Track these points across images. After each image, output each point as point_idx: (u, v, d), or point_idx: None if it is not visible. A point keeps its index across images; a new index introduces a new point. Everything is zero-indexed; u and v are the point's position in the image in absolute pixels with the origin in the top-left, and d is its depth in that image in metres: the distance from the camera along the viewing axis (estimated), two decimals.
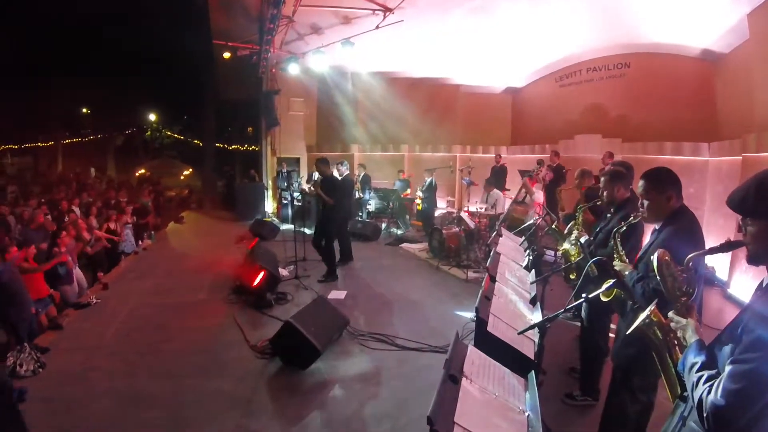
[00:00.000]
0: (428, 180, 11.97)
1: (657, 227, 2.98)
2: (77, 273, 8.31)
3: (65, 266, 7.71)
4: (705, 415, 1.59)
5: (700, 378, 1.69)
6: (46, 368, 5.08)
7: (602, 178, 4.10)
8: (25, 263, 6.76)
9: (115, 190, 16.36)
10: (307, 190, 10.07)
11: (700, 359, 1.75)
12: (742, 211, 1.75)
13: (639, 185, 2.97)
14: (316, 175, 8.55)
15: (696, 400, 1.67)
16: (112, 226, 10.46)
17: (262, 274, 6.94)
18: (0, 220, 9.70)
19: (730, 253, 7.28)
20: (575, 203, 5.26)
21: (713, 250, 1.98)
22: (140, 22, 26.51)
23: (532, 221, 6.04)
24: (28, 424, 3.68)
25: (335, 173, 8.84)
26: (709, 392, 1.60)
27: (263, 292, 6.96)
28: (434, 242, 9.67)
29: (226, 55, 14.59)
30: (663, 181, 2.89)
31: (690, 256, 2.00)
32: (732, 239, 1.89)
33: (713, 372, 1.67)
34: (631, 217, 3.22)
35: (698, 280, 2.12)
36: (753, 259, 1.76)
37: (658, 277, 2.06)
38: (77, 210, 11.52)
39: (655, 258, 2.07)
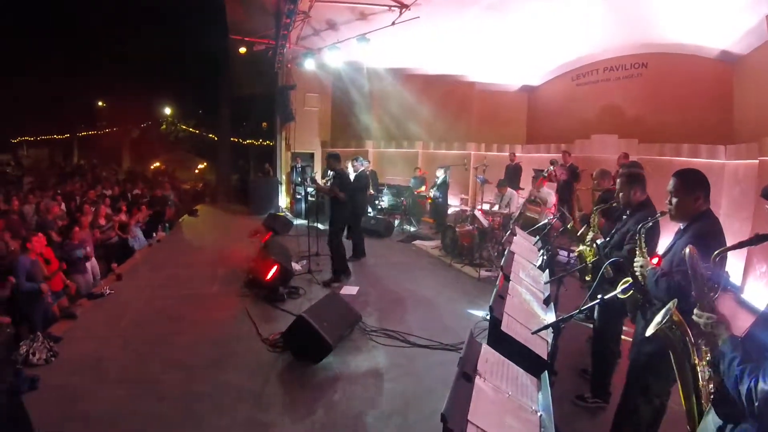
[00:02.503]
0: (441, 177, 11.96)
1: (681, 227, 2.97)
2: (92, 263, 8.38)
3: (82, 251, 7.80)
4: (757, 404, 1.57)
5: (742, 371, 1.67)
6: (59, 357, 5.16)
7: (618, 180, 4.07)
8: (47, 266, 6.84)
9: (131, 182, 16.53)
10: (313, 186, 10.00)
11: (738, 353, 1.74)
12: None
13: (670, 183, 2.96)
14: (330, 173, 8.48)
15: (745, 395, 1.64)
16: (124, 218, 10.53)
17: (275, 268, 6.98)
18: (19, 214, 9.80)
19: (744, 258, 7.25)
20: (592, 204, 5.24)
21: (742, 244, 1.97)
22: (157, 17, 26.67)
23: (546, 221, 6.00)
24: (40, 412, 3.74)
25: (350, 169, 8.82)
26: (756, 382, 1.58)
27: (276, 286, 7.00)
28: (447, 240, 9.65)
29: (242, 50, 14.65)
30: (693, 182, 2.90)
31: (717, 251, 1.99)
32: (759, 233, 1.88)
33: (754, 364, 1.65)
34: (659, 213, 3.22)
35: (722, 281, 2.11)
36: None
37: (689, 271, 2.05)
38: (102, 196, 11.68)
39: (687, 252, 2.06)
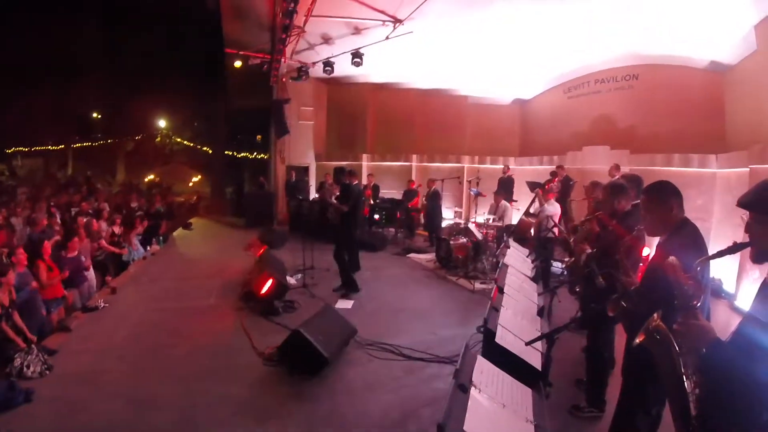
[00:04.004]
0: (431, 189, 12.08)
1: (661, 240, 2.99)
2: (90, 274, 8.33)
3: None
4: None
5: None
6: (54, 370, 5.13)
7: (602, 191, 4.17)
8: (49, 273, 6.81)
9: (123, 195, 16.51)
10: (318, 197, 10.09)
11: (720, 354, 1.80)
12: (752, 206, 1.81)
13: (640, 200, 3.00)
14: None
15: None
16: (116, 230, 10.49)
17: (270, 281, 6.97)
18: (8, 226, 9.73)
19: (737, 264, 7.33)
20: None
21: (721, 253, 2.01)
22: (153, 29, 26.79)
23: (541, 233, 6.07)
24: (35, 425, 3.73)
25: None
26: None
27: (271, 300, 6.98)
28: (442, 253, 9.69)
29: (238, 63, 14.72)
30: (663, 192, 2.92)
31: (698, 260, 2.03)
32: (738, 242, 1.93)
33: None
34: (635, 231, 3.25)
35: (705, 289, 2.16)
36: (759, 257, 1.81)
37: (672, 281, 2.09)
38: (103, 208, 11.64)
39: (668, 262, 2.11)
